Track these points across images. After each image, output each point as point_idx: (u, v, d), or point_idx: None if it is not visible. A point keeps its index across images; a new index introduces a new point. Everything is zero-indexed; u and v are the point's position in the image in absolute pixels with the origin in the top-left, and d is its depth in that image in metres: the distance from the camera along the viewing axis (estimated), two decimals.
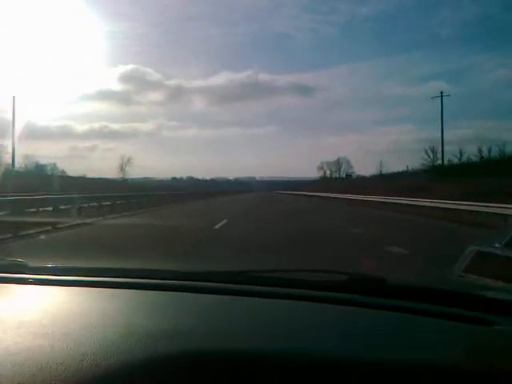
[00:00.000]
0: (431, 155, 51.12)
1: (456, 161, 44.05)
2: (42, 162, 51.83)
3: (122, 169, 71.92)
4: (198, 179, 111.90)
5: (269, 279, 1.24)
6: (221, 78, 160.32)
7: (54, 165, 54.61)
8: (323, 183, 73.25)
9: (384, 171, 62.39)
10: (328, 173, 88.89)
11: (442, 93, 39.94)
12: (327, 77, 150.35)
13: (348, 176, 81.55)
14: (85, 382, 0.68)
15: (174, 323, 0.94)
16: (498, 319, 0.91)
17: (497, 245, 1.51)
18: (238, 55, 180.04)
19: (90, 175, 54.20)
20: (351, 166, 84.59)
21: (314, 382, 0.73)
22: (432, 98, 40.84)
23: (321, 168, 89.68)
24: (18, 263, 1.39)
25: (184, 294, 1.16)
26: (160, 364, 0.73)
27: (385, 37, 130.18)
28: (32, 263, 1.37)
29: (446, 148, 48.10)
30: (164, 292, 1.17)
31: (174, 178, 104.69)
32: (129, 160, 73.66)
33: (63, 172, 51.05)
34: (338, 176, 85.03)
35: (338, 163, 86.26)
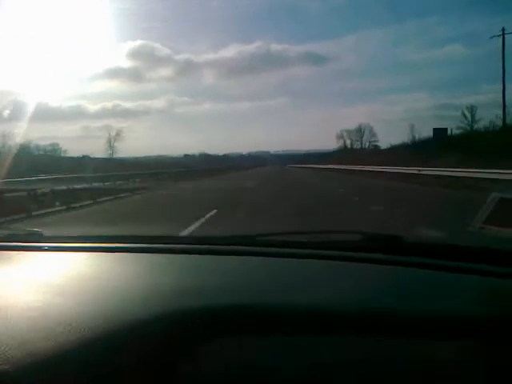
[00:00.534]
0: (469, 117, 43.33)
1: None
2: (48, 142, 50.60)
3: (110, 145, 60.16)
4: (210, 155, 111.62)
5: (286, 241, 1.25)
6: (231, 51, 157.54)
7: (57, 145, 51.07)
8: (344, 154, 60.87)
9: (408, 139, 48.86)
10: (348, 142, 75.78)
11: (503, 29, 31.07)
12: (339, 46, 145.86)
13: (374, 145, 67.90)
14: (106, 333, 0.69)
15: (191, 282, 0.96)
16: None
17: None
18: (247, 27, 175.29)
19: (99, 155, 51.87)
20: (374, 134, 71.91)
21: (336, 332, 0.74)
22: (491, 37, 31.96)
23: (340, 137, 76.39)
24: (33, 232, 1.44)
25: (200, 256, 1.18)
26: (181, 318, 0.74)
27: (396, 2, 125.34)
28: (46, 232, 1.41)
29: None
30: (180, 255, 1.20)
31: (186, 155, 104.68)
32: (118, 134, 60.71)
33: (65, 152, 48.48)
34: (360, 146, 72.36)
35: (359, 131, 73.26)
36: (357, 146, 73.41)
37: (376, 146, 67.23)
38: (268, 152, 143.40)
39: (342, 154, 61.95)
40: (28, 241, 1.35)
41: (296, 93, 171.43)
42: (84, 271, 1.08)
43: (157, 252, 1.22)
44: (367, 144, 72.34)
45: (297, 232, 1.40)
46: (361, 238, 1.14)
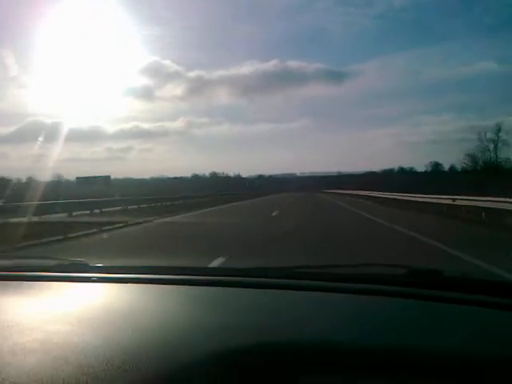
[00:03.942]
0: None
1: None
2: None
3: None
4: (220, 176, 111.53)
5: (327, 274, 1.28)
6: (248, 69, 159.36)
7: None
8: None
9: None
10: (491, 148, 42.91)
11: None
12: (364, 68, 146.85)
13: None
14: (155, 369, 0.72)
15: (231, 318, 0.98)
16: None
17: None
18: (271, 51, 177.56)
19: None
20: None
21: (376, 372, 0.76)
22: None
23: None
24: (79, 263, 1.48)
25: (236, 289, 1.21)
26: (225, 357, 0.77)
27: (421, 26, 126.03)
28: (92, 262, 1.44)
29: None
30: (216, 288, 1.22)
31: (194, 175, 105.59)
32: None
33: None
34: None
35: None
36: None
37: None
38: (294, 174, 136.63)
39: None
40: (75, 271, 1.38)
41: (317, 114, 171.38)
42: (129, 304, 1.11)
43: (196, 284, 1.25)
44: None
45: (335, 265, 1.41)
46: (400, 272, 1.15)
